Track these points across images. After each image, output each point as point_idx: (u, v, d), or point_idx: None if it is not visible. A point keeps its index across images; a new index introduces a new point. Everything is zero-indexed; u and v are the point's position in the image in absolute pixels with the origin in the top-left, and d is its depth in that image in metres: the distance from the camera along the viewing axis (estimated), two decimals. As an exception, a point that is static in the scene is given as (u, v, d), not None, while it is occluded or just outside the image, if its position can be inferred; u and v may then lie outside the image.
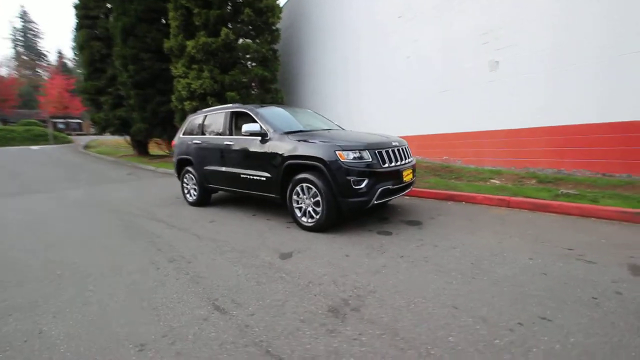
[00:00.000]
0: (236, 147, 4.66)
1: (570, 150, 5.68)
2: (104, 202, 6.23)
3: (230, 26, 10.39)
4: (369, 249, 3.25)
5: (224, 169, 4.89)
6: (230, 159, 4.78)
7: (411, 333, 1.87)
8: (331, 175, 3.57)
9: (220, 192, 5.76)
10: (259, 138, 4.31)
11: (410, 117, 8.24)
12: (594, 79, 5.31)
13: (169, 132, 13.44)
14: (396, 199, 5.02)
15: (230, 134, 4.88)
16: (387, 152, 3.80)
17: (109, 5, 14.63)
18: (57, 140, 26.93)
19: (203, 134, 5.38)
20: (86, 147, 21.88)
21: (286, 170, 4.00)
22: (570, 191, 4.78)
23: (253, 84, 11.02)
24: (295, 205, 3.99)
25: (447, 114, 7.47)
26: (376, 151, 3.71)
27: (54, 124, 32.86)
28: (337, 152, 3.57)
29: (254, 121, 4.45)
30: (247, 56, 10.80)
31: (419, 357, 1.68)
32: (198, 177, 5.37)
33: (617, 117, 5.12)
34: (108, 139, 26.52)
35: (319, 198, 3.71)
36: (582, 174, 5.55)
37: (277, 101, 10.87)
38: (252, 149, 4.41)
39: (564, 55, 5.59)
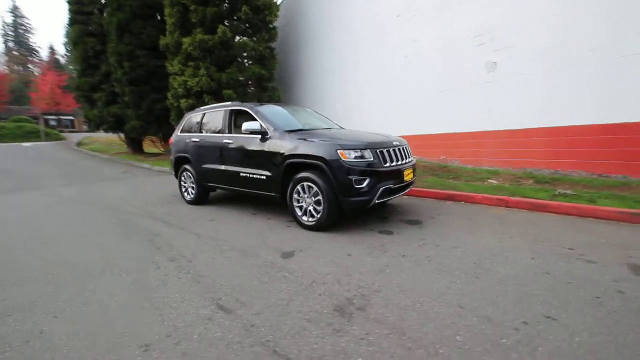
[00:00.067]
0: (236, 146, 4.63)
1: (567, 151, 5.74)
2: (99, 200, 6.15)
3: (227, 24, 10.33)
4: (370, 248, 3.24)
5: (223, 167, 4.85)
6: (229, 157, 4.75)
7: (418, 333, 1.87)
8: (333, 175, 3.56)
9: (218, 191, 5.71)
10: (259, 137, 4.29)
11: (408, 117, 8.25)
12: (592, 81, 5.36)
13: (164, 130, 13.34)
14: (396, 199, 5.02)
15: (230, 132, 4.84)
16: (388, 151, 3.80)
17: (103, 1, 14.48)
18: (49, 138, 26.58)
19: (202, 132, 5.34)
20: (79, 144, 21.62)
21: (287, 169, 3.98)
22: (568, 192, 4.83)
23: (250, 83, 10.96)
24: (296, 204, 3.97)
25: (446, 114, 7.49)
26: (377, 151, 3.71)
27: (46, 121, 32.41)
28: (339, 151, 3.56)
29: (254, 120, 4.42)
30: (245, 54, 10.74)
31: (427, 356, 1.68)
32: (196, 176, 5.32)
33: (615, 118, 5.17)
34: (101, 136, 26.21)
35: (320, 197, 3.70)
36: (579, 174, 5.60)
37: (274, 100, 10.83)
38: (252, 148, 4.38)
39: (563, 56, 5.64)
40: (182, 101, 10.19)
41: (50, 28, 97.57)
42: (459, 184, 5.87)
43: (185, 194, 5.68)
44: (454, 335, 1.83)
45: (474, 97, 6.96)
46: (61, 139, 27.50)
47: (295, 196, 3.96)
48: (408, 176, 4.01)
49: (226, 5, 10.32)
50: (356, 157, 3.57)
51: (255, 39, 10.54)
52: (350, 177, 3.51)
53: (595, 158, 5.45)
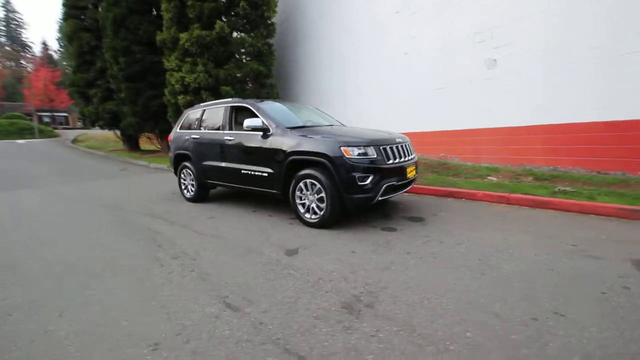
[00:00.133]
0: (236, 142, 4.60)
1: (566, 148, 5.77)
2: (97, 198, 6.09)
3: (224, 19, 10.23)
4: (374, 245, 3.24)
5: (223, 164, 4.82)
6: (230, 154, 4.71)
7: (428, 329, 1.87)
8: (336, 171, 3.55)
9: (218, 188, 5.69)
10: (261, 133, 4.26)
11: (407, 114, 8.24)
12: (592, 78, 5.38)
13: (160, 126, 13.22)
14: (397, 196, 5.01)
15: (230, 129, 4.81)
16: (391, 148, 3.79)
17: (98, -5, 14.28)
18: (43, 134, 26.27)
19: (201, 128, 5.29)
20: (74, 141, 21.39)
21: (289, 166, 3.96)
22: (567, 188, 4.86)
23: (247, 79, 10.88)
24: (298, 201, 3.96)
25: (445, 111, 7.50)
26: (380, 147, 3.69)
27: (39, 117, 32.02)
28: (342, 148, 3.54)
29: (255, 116, 4.38)
30: (242, 50, 10.65)
31: (437, 353, 1.68)
32: (196, 173, 5.28)
33: (614, 116, 5.21)
34: (96, 133, 25.98)
35: (323, 194, 3.68)
36: (578, 171, 5.64)
37: (272, 97, 10.76)
38: (253, 145, 4.35)
39: (562, 54, 5.65)
40: (180, 97, 10.10)
41: (42, 23, 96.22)
42: (458, 181, 5.88)
43: (185, 191, 5.64)
44: (464, 332, 1.83)
45: (473, 94, 6.96)
46: (55, 135, 27.18)
47: (298, 193, 3.94)
48: (410, 173, 4.01)
49: (223, 0, 10.22)
50: (359, 154, 3.55)
51: (253, 34, 10.44)
52: (354, 173, 3.50)
53: (594, 155, 5.48)
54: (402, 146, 4.00)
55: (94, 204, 5.64)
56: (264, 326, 1.95)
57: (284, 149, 3.97)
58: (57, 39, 55.07)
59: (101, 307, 2.26)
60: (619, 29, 5.05)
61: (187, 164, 5.44)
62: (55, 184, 7.83)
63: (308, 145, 3.78)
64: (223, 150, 4.79)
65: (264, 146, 4.20)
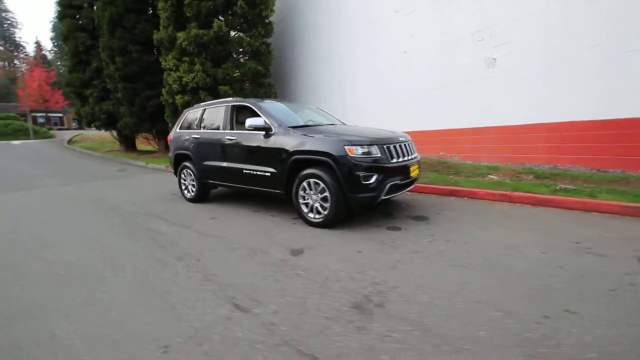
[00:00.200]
0: (238, 142, 4.56)
1: (566, 146, 5.79)
2: (97, 199, 6.02)
3: (222, 18, 10.18)
4: (380, 244, 3.23)
5: (225, 164, 4.78)
6: (231, 154, 4.68)
7: (442, 329, 1.85)
8: (340, 171, 3.53)
9: (218, 188, 5.64)
10: (263, 133, 4.23)
11: (406, 113, 8.24)
12: (591, 77, 5.41)
13: (158, 126, 13.15)
14: (398, 195, 5.01)
15: (232, 129, 4.77)
16: (394, 147, 3.78)
17: (93, -6, 14.15)
18: (38, 135, 26.01)
19: (202, 128, 5.25)
20: (70, 142, 21.19)
21: (292, 166, 3.93)
22: (568, 186, 4.88)
23: (245, 79, 10.83)
24: (301, 201, 3.93)
25: (444, 110, 7.51)
26: (384, 146, 3.68)
27: (34, 118, 31.70)
28: (346, 147, 3.53)
29: (257, 115, 4.35)
30: (240, 49, 10.60)
31: (454, 352, 1.67)
32: (197, 173, 5.24)
33: (614, 114, 5.23)
34: (92, 133, 25.76)
35: (326, 194, 3.66)
36: (577, 169, 5.67)
37: (270, 96, 10.73)
38: (255, 144, 4.32)
39: (562, 52, 5.68)
40: (177, 97, 10.03)
41: (35, 22, 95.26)
42: (459, 180, 5.89)
43: (185, 192, 5.59)
44: (478, 331, 1.83)
45: (473, 92, 6.98)
46: (50, 136, 26.91)
47: (301, 193, 3.92)
48: (414, 172, 4.00)
49: (221, -1, 10.16)
50: (363, 153, 3.54)
51: (250, 34, 10.39)
52: (358, 172, 3.49)
53: (594, 153, 5.51)
54: (405, 145, 3.99)
55: (93, 205, 5.58)
56: (276, 327, 1.92)
57: (287, 148, 3.94)
58: (51, 39, 54.64)
59: (107, 309, 2.22)
60: (619, 29, 5.07)
61: (188, 164, 5.40)
62: (53, 185, 7.74)
63: (311, 144, 3.76)
64: (224, 150, 4.75)
65: (267, 145, 4.17)
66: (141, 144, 15.99)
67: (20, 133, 25.83)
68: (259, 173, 4.32)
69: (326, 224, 3.75)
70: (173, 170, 5.88)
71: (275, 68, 11.79)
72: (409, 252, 2.99)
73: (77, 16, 14.61)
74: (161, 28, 10.38)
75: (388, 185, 3.59)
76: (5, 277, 2.81)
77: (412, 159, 4.00)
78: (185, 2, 9.68)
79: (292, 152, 3.88)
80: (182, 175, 5.59)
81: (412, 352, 1.68)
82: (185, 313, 2.12)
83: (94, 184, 7.94)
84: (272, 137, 4.12)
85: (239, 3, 9.66)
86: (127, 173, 9.79)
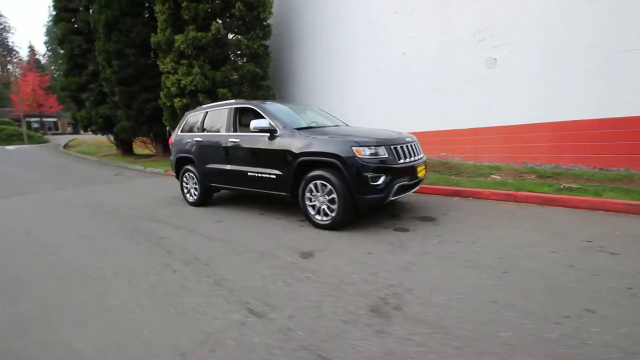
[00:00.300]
0: (242, 145, 4.53)
1: (568, 145, 5.81)
2: (96, 204, 5.95)
3: (219, 21, 10.15)
4: (390, 245, 3.20)
5: (228, 167, 4.74)
6: (235, 156, 4.64)
7: (461, 330, 1.83)
8: (348, 172, 3.50)
9: (221, 191, 5.60)
10: (267, 134, 4.19)
11: (407, 114, 8.24)
12: (591, 77, 5.43)
13: (155, 130, 13.07)
14: (404, 196, 5.00)
15: (235, 131, 4.73)
16: (401, 147, 3.77)
17: (89, -3, 14.05)
18: (32, 140, 25.77)
19: (204, 131, 5.20)
20: (66, 146, 21.00)
21: (298, 167, 3.90)
22: (572, 185, 4.89)
23: (244, 82, 10.80)
24: (308, 203, 3.90)
25: (445, 110, 7.51)
26: (391, 147, 3.66)
27: (28, 123, 31.41)
28: (353, 148, 3.50)
29: (261, 117, 4.32)
30: (238, 52, 10.57)
31: (476, 354, 1.64)
32: (199, 176, 5.19)
33: (614, 113, 5.26)
34: (88, 138, 25.58)
35: (334, 195, 3.63)
36: (580, 168, 5.69)
37: (269, 98, 10.71)
38: (260, 146, 4.29)
39: (562, 52, 5.70)
40: (176, 100, 9.97)
41: (29, 27, 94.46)
42: (462, 180, 5.88)
43: (187, 195, 5.53)
44: (498, 332, 1.80)
45: (473, 93, 6.99)
46: (44, 141, 26.66)
47: (308, 195, 3.88)
48: (421, 172, 3.99)
49: (217, 1, 10.12)
50: (371, 154, 3.51)
51: (249, 36, 10.37)
52: (366, 174, 3.46)
53: (596, 152, 5.53)
54: (411, 145, 3.98)
55: (93, 209, 5.50)
56: (293, 332, 1.89)
57: (293, 150, 3.91)
58: (45, 43, 54.29)
59: (118, 315, 2.18)
60: (619, 28, 5.11)
61: (190, 167, 5.34)
62: (50, 190, 7.65)
63: (318, 145, 3.73)
64: (228, 152, 4.71)
65: (272, 147, 4.13)
66: (138, 147, 15.88)
67: (14, 138, 25.57)
68: (264, 175, 4.28)
69: (333, 226, 3.72)
70: (175, 174, 5.82)
71: (274, 70, 11.78)
72: (420, 253, 2.97)
73: (73, 20, 14.50)
74: (159, 31, 10.33)
75: (396, 186, 3.58)
76: (11, 284, 2.75)
77: (418, 159, 3.99)
78: (183, 5, 9.64)
79: (299, 153, 3.85)
80: (184, 179, 5.53)
81: (434, 355, 1.65)
82: (197, 319, 2.08)
83: (92, 188, 7.85)
84: (277, 139, 4.09)
85: (237, 5, 9.64)
86: (125, 177, 9.70)
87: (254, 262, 2.99)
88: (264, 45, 10.72)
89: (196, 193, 5.34)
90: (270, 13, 10.50)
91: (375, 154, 3.53)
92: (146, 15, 12.42)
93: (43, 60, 52.85)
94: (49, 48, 53.30)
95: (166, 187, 7.52)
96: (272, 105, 4.62)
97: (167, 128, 12.98)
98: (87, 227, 4.47)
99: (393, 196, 3.62)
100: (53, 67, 50.16)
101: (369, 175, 3.46)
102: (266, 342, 1.81)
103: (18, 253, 3.53)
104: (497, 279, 2.42)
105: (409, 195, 5.14)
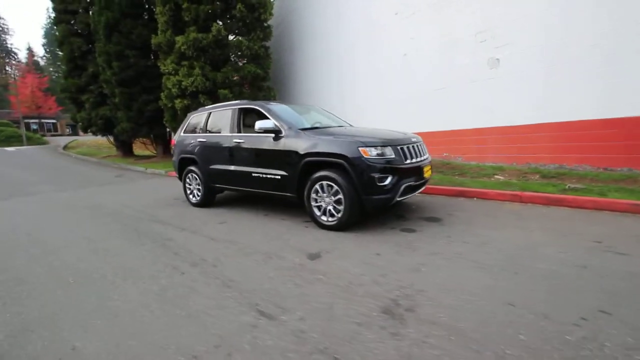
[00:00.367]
0: (246, 145, 4.50)
1: (571, 145, 5.81)
2: (98, 205, 5.90)
3: (220, 22, 10.13)
4: (397, 246, 3.18)
5: (232, 167, 4.71)
6: (240, 157, 4.61)
7: (478, 333, 1.80)
8: (354, 172, 3.48)
9: (224, 192, 5.57)
10: (272, 135, 4.17)
11: (408, 115, 8.22)
12: (593, 77, 5.43)
13: (156, 131, 13.03)
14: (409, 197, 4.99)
15: (239, 132, 4.71)
16: (408, 148, 3.75)
17: (88, -1, 14.02)
18: (31, 142, 25.68)
19: (207, 131, 5.17)
20: (66, 147, 20.93)
21: (304, 168, 3.87)
22: (577, 185, 4.87)
23: (244, 83, 10.77)
24: (314, 203, 3.87)
25: (447, 111, 7.50)
26: (398, 147, 3.64)
27: (27, 124, 31.31)
28: (360, 148, 3.48)
29: (266, 118, 4.30)
30: (239, 53, 10.55)
31: (497, 358, 1.61)
32: (203, 177, 5.15)
33: (617, 113, 5.26)
34: (87, 139, 25.50)
35: (340, 196, 3.61)
36: (584, 168, 5.68)
37: (270, 99, 10.68)
38: (264, 147, 4.26)
39: (564, 52, 5.70)
40: (177, 101, 9.93)
41: (27, 29, 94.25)
42: (466, 180, 5.87)
43: (190, 196, 5.50)
44: (516, 334, 1.78)
45: (475, 93, 6.98)
46: (44, 142, 26.56)
47: (313, 195, 3.86)
48: (427, 173, 3.97)
49: (218, 2, 10.10)
50: (377, 154, 3.49)
51: (249, 37, 10.35)
52: (373, 174, 3.44)
53: (599, 152, 5.53)
54: (417, 146, 3.96)
55: (95, 210, 5.46)
56: (307, 335, 1.86)
57: (298, 150, 3.88)
58: (43, 45, 54.18)
59: (127, 319, 2.14)
60: (619, 29, 5.11)
61: (193, 168, 5.31)
62: (51, 192, 7.59)
63: (324, 146, 3.70)
64: (232, 153, 4.68)
65: (277, 148, 4.11)
66: (138, 149, 15.83)
67: (13, 140, 25.46)
68: (268, 176, 4.25)
69: (340, 226, 3.69)
70: (177, 175, 5.78)
71: (274, 71, 11.76)
72: (429, 254, 2.94)
73: (73, 21, 14.46)
74: (159, 32, 10.31)
75: (403, 187, 3.55)
76: (16, 288, 2.71)
77: (424, 159, 3.97)
78: (184, 6, 9.62)
79: (304, 154, 3.82)
80: (187, 180, 5.49)
81: (451, 358, 1.63)
82: (209, 321, 2.04)
83: (93, 189, 7.81)
84: (282, 140, 4.06)
85: (237, 7, 9.62)
86: (126, 178, 9.65)
87: (262, 263, 2.96)
88: (264, 46, 10.70)
89: (199, 194, 5.31)
90: (271, 14, 10.49)
91: (382, 154, 3.51)
92: (146, 17, 12.38)
93: (41, 62, 52.72)
94: (48, 50, 53.20)
95: (167, 188, 7.48)
96: (276, 106, 4.60)
97: (168, 129, 12.95)
98: (89, 228, 4.43)
99: (400, 197, 3.60)
100: (52, 69, 50.05)
101: (376, 175, 3.43)
102: (280, 345, 1.78)
103: (20, 255, 3.49)
104: (508, 280, 2.39)
105: (414, 196, 5.11)
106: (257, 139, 4.36)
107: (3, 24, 53.31)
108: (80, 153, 17.64)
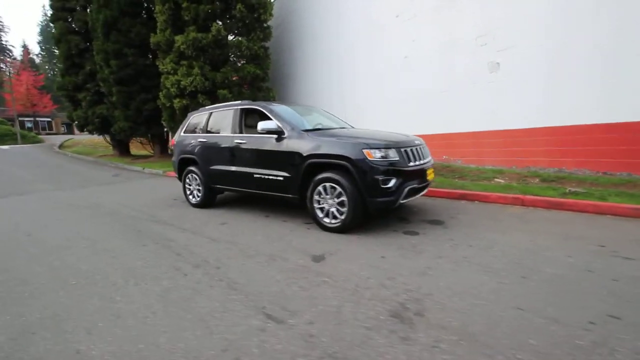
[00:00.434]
0: (248, 146, 4.47)
1: (571, 149, 5.84)
2: (96, 205, 5.84)
3: (220, 22, 10.10)
4: (401, 249, 3.16)
5: (234, 168, 4.68)
6: (241, 158, 4.58)
7: (488, 337, 1.79)
8: (358, 174, 3.47)
9: (224, 193, 5.53)
10: (275, 136, 4.14)
11: (408, 117, 8.23)
12: (594, 81, 5.47)
13: (153, 131, 12.95)
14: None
15: (240, 132, 4.68)
16: (411, 150, 3.74)
17: (86, -3, 13.91)
18: (26, 140, 25.41)
19: (208, 131, 5.14)
20: (61, 146, 20.73)
21: (307, 170, 3.85)
22: (577, 189, 4.90)
23: (244, 83, 10.73)
24: (316, 205, 3.85)
25: (447, 113, 7.52)
26: (401, 149, 3.63)
27: (21, 122, 30.98)
28: (364, 150, 3.47)
29: (268, 119, 4.27)
30: (238, 53, 10.51)
31: (508, 363, 1.60)
32: (203, 177, 5.11)
33: (617, 117, 5.30)
34: (83, 138, 25.28)
35: (343, 198, 3.59)
36: (583, 172, 5.71)
37: (269, 100, 10.65)
38: (267, 148, 4.23)
39: (564, 56, 5.73)
40: (176, 101, 9.88)
41: (23, 26, 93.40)
42: (466, 183, 5.88)
43: (190, 197, 5.45)
44: (527, 339, 1.77)
45: (475, 96, 7.00)
46: (38, 141, 26.30)
47: (316, 197, 3.83)
48: (430, 175, 3.97)
49: (218, 2, 10.06)
50: (382, 157, 3.48)
51: (249, 37, 10.32)
52: (377, 176, 3.43)
53: (599, 156, 5.56)
54: (419, 148, 3.95)
55: (94, 210, 5.40)
56: (316, 339, 1.83)
57: (301, 152, 3.86)
58: (38, 43, 53.73)
59: (132, 321, 2.10)
60: (622, 30, 5.15)
61: (193, 168, 5.27)
62: (48, 191, 7.51)
63: (328, 148, 3.69)
64: (233, 153, 4.65)
65: (279, 149, 4.08)
66: (135, 148, 15.73)
67: (7, 138, 25.17)
68: (270, 177, 4.22)
69: (342, 229, 3.67)
70: (177, 175, 5.74)
71: (274, 72, 11.74)
72: (434, 258, 2.93)
73: (70, 19, 14.35)
74: (158, 31, 10.25)
75: (406, 189, 3.55)
76: (16, 289, 2.66)
77: (427, 162, 3.97)
78: (183, 5, 9.58)
79: (307, 155, 3.80)
80: (187, 180, 5.45)
81: (465, 363, 1.61)
82: (215, 324, 2.01)
83: (90, 189, 7.73)
84: (285, 141, 4.04)
85: (237, 7, 9.60)
86: (123, 178, 9.58)
87: (265, 265, 2.93)
88: (264, 46, 10.67)
89: (199, 194, 5.27)
90: (271, 15, 10.47)
91: (386, 156, 3.50)
92: (145, 16, 12.31)
93: (37, 60, 52.26)
94: (43, 48, 52.77)
95: (166, 188, 7.43)
96: (279, 107, 4.58)
97: (165, 129, 12.87)
98: (88, 228, 4.37)
99: (403, 199, 3.59)
100: (47, 67, 49.65)
101: (380, 177, 3.42)
102: (290, 350, 1.75)
103: (21, 256, 3.43)
104: (516, 284, 2.39)
105: (416, 198, 5.12)
106: (259, 140, 4.33)
107: (-2, 20, 52.76)
108: (76, 152, 17.48)
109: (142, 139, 14.06)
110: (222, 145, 4.80)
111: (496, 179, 6.05)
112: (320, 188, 3.78)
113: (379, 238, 3.52)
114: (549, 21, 5.89)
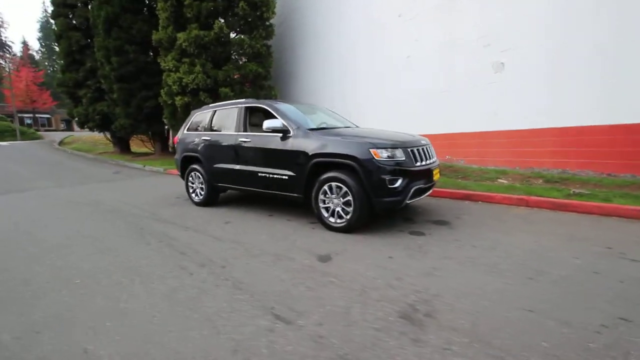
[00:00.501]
0: (252, 145, 4.44)
1: (574, 150, 5.83)
2: (97, 202, 5.81)
3: (222, 20, 10.06)
4: (408, 250, 3.15)
5: (238, 167, 4.65)
6: (245, 156, 4.55)
7: (500, 340, 1.77)
8: (365, 174, 3.45)
9: (228, 192, 5.50)
10: (280, 135, 4.12)
11: (410, 117, 8.20)
12: (597, 82, 5.45)
13: (154, 128, 12.91)
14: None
15: (245, 130, 4.65)
16: (418, 150, 3.73)
17: (87, -7, 13.85)
18: (25, 136, 25.33)
19: (212, 129, 5.11)
20: (61, 143, 20.67)
21: (312, 169, 3.83)
22: (582, 191, 4.89)
23: (246, 81, 10.70)
24: (321, 205, 3.83)
25: (450, 114, 7.50)
26: (408, 149, 3.62)
27: (21, 119, 30.87)
28: (371, 150, 3.45)
29: (273, 117, 4.25)
30: (241, 51, 10.47)
31: (521, 366, 1.59)
32: (206, 176, 5.09)
33: (616, 118, 5.29)
34: (83, 135, 25.19)
35: (349, 197, 3.57)
36: (586, 174, 5.70)
37: (271, 98, 10.62)
38: (272, 146, 4.21)
39: (568, 57, 5.71)
40: (177, 99, 9.84)
41: (22, 22, 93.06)
42: (470, 184, 5.87)
43: (193, 195, 5.43)
44: (539, 342, 1.75)
45: (479, 97, 6.98)
46: (38, 137, 26.22)
47: (321, 196, 3.81)
48: (436, 175, 3.95)
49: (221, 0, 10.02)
50: (388, 156, 3.46)
51: (251, 35, 10.28)
52: (383, 176, 3.41)
53: (603, 158, 5.55)
54: (426, 148, 3.93)
55: (95, 208, 5.38)
56: (326, 340, 1.82)
57: (307, 151, 3.84)
58: (38, 39, 53.51)
59: (139, 321, 2.08)
60: (622, 30, 5.13)
61: (196, 166, 5.24)
62: (48, 188, 7.48)
63: (334, 147, 3.67)
64: (237, 152, 4.62)
65: (284, 148, 4.06)
66: (135, 145, 15.68)
67: (6, 134, 25.09)
68: (275, 176, 4.20)
69: (348, 228, 3.65)
70: (180, 173, 5.71)
71: (276, 70, 11.70)
72: (441, 258, 2.92)
73: (71, 15, 14.29)
74: (160, 28, 10.21)
75: (413, 189, 3.53)
76: (19, 288, 2.64)
77: (433, 162, 3.95)
78: (186, 2, 9.54)
79: (313, 155, 3.78)
80: (190, 178, 5.42)
81: (477, 365, 1.60)
82: (223, 325, 2.00)
83: (91, 186, 7.70)
84: (290, 140, 4.02)
85: (240, 4, 9.56)
86: (124, 175, 9.55)
87: (271, 265, 2.91)
88: (266, 45, 10.65)
89: (202, 193, 5.24)
90: (273, 13, 10.44)
91: (393, 156, 3.48)
92: (146, 12, 12.26)
93: (37, 56, 52.06)
94: (43, 44, 52.56)
95: (167, 185, 7.41)
96: (284, 105, 4.55)
97: (166, 126, 12.83)
98: (90, 226, 4.35)
99: (410, 199, 3.58)
100: (47, 63, 49.46)
101: (387, 177, 3.40)
102: (299, 351, 1.73)
103: (22, 255, 3.41)
104: (525, 286, 2.37)
105: (420, 198, 5.11)
106: (264, 139, 4.31)
107: (-2, 16, 52.53)
108: (76, 149, 17.44)
109: (142, 136, 14.02)
110: (226, 144, 4.78)
111: (499, 180, 6.04)
112: (325, 187, 3.76)
113: (385, 238, 3.50)
114: (549, 21, 5.88)
